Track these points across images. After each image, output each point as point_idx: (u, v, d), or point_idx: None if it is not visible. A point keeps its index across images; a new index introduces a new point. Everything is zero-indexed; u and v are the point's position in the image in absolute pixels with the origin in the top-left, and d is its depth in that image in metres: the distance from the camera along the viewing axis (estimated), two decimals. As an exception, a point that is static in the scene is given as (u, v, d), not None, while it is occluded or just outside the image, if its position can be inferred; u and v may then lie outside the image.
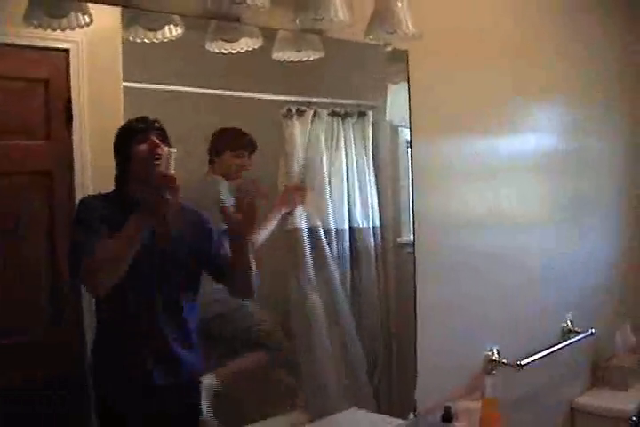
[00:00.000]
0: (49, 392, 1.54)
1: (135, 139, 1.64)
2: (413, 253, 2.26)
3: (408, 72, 2.25)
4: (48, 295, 1.64)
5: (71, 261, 1.54)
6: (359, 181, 2.44)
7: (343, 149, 2.39)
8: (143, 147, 1.61)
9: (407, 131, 2.37)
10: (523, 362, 2.54)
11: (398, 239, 2.46)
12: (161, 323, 1.63)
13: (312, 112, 2.25)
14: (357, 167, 2.43)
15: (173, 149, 1.58)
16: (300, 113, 2.18)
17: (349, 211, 2.42)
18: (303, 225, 2.27)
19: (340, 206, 2.40)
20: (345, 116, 2.37)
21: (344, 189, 2.40)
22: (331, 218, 2.36)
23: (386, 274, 2.48)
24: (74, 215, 1.60)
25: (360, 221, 2.44)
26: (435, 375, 2.34)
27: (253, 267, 1.73)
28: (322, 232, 2.35)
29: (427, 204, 2.33)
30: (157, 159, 1.55)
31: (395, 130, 2.44)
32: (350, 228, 2.41)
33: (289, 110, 2.16)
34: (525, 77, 2.78)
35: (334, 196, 2.38)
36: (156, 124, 1.68)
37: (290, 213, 1.97)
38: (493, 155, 2.64)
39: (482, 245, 2.56)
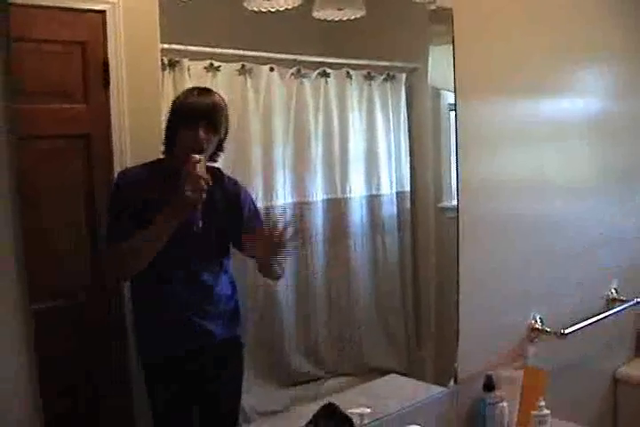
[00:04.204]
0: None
1: (184, 121, 1.64)
2: (457, 218, 2.22)
3: (453, 32, 2.19)
4: (89, 259, 1.66)
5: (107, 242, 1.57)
6: (393, 145, 2.44)
7: (374, 112, 2.38)
8: (189, 136, 1.62)
9: (449, 94, 2.34)
10: (566, 331, 2.51)
11: (439, 204, 2.46)
12: (195, 288, 1.69)
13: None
14: (392, 131, 2.43)
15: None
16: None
17: (380, 176, 2.43)
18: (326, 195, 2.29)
19: (369, 172, 2.40)
20: (375, 78, 2.35)
21: (376, 154, 2.40)
22: (357, 185, 2.36)
23: (426, 239, 2.50)
24: (110, 192, 1.61)
25: (392, 187, 2.43)
26: (476, 343, 2.33)
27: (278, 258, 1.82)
28: (360, 199, 2.38)
29: (470, 168, 2.29)
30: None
31: (436, 93, 2.41)
32: (381, 194, 2.42)
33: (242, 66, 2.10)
34: (573, 36, 2.70)
35: (360, 161, 2.38)
36: (212, 110, 1.68)
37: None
38: (539, 118, 2.58)
39: (526, 211, 2.51)
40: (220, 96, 1.73)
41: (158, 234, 1.52)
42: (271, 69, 2.17)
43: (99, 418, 1.64)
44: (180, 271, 1.63)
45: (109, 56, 1.73)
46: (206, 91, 1.76)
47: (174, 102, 1.68)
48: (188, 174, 1.52)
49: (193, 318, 1.66)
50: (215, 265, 1.73)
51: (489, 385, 2.28)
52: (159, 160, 1.65)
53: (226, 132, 1.70)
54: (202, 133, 1.60)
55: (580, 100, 2.81)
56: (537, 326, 2.54)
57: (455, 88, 2.24)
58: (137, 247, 1.53)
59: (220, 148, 1.69)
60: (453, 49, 2.21)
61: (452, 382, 2.33)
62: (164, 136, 1.65)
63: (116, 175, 1.63)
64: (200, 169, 1.54)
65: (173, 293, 1.63)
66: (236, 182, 1.83)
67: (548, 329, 2.53)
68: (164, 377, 1.64)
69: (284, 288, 2.27)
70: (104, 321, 1.65)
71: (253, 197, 2.13)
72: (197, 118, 1.62)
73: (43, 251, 1.55)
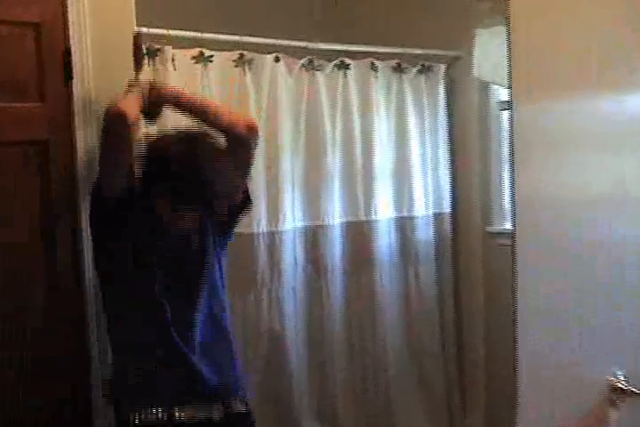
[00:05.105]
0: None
1: None
2: (512, 245, 1.83)
3: (508, 9, 1.84)
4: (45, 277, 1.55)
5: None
6: (429, 154, 2.21)
7: (405, 113, 2.16)
8: None
9: (501, 89, 2.07)
10: (660, 393, 2.09)
11: (488, 228, 2.19)
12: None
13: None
14: (428, 137, 2.20)
15: None
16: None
17: (412, 193, 2.18)
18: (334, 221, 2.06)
19: (399, 188, 2.17)
20: (406, 70, 2.14)
21: (408, 166, 2.17)
22: (384, 204, 2.13)
23: (471, 272, 2.24)
24: None
25: (428, 207, 2.22)
26: (541, 407, 1.97)
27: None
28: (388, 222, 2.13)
29: (530, 183, 1.96)
30: None
31: (484, 88, 2.15)
32: (414, 216, 2.18)
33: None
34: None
35: (388, 174, 2.15)
36: None
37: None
38: (621, 118, 2.21)
39: (606, 236, 2.13)
40: None
41: None
42: (276, 60, 1.96)
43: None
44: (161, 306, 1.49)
45: (71, 42, 1.56)
46: None
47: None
48: None
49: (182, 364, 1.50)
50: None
51: (558, 461, 1.86)
52: None
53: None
54: None
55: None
56: (620, 385, 2.11)
57: (510, 81, 1.87)
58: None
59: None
60: (508, 31, 1.88)
61: (510, 457, 1.93)
62: None
63: None
64: None
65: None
66: None
67: (635, 389, 2.09)
68: None
69: (293, 332, 2.04)
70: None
71: (254, 220, 1.92)
72: None
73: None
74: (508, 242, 1.90)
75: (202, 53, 1.84)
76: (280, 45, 1.93)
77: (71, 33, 1.55)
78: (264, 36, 1.90)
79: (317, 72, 2.00)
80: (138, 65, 1.68)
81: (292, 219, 1.98)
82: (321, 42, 1.98)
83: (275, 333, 1.97)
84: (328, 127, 2.03)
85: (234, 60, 1.88)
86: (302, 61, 1.98)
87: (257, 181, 1.93)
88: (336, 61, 2.01)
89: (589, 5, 2.06)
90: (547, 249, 2.00)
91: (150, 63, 1.77)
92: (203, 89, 1.84)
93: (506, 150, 2.06)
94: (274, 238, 1.94)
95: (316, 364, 2.06)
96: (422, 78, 2.15)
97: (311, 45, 1.96)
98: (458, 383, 2.24)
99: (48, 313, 1.54)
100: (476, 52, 2.06)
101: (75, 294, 1.58)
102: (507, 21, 1.84)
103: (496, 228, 2.17)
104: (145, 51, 1.75)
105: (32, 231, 1.53)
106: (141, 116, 1.49)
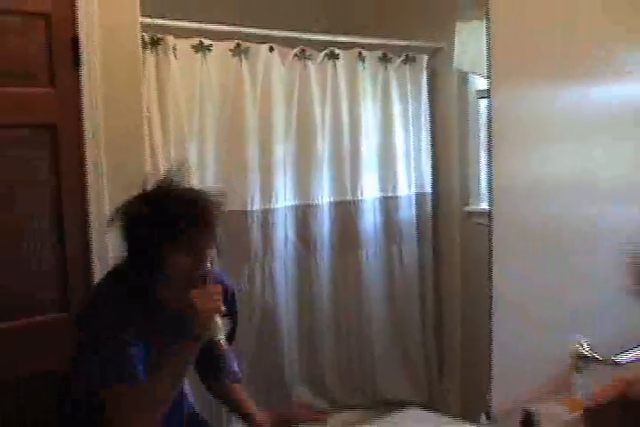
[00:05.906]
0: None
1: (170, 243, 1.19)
2: (490, 224, 1.90)
3: (488, 3, 1.88)
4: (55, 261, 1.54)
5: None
6: (412, 139, 2.24)
7: (390, 101, 2.19)
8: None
9: (477, 79, 2.14)
10: (619, 358, 2.16)
11: (466, 208, 2.23)
12: None
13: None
14: (411, 123, 2.23)
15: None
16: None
17: (396, 175, 2.21)
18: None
19: (384, 170, 2.20)
20: (391, 60, 2.16)
21: (392, 150, 2.20)
22: (369, 185, 2.16)
23: (451, 250, 2.28)
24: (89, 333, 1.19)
25: (411, 187, 2.24)
26: (513, 373, 1.99)
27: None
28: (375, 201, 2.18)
29: (506, 166, 1.98)
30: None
31: (463, 78, 2.20)
32: (398, 196, 2.21)
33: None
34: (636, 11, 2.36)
35: (374, 158, 2.18)
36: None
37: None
38: (591, 107, 2.23)
39: (571, 218, 2.17)
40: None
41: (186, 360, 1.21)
42: (271, 49, 2.00)
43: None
44: None
45: (79, 31, 1.57)
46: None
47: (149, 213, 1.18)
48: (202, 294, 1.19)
49: None
50: None
51: (528, 422, 1.95)
52: (123, 275, 1.24)
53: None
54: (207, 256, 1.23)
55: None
56: (584, 352, 2.20)
57: (490, 71, 1.93)
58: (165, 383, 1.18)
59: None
60: (488, 23, 1.89)
61: (483, 418, 1.99)
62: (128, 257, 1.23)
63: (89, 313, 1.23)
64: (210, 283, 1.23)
65: None
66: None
67: (598, 356, 2.18)
68: None
69: (285, 305, 2.06)
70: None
71: (248, 199, 1.95)
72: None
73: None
74: (485, 221, 2.01)
75: (201, 43, 1.85)
76: (274, 36, 1.94)
77: (79, 23, 1.53)
78: (260, 27, 1.91)
79: (309, 61, 2.02)
80: None
81: (284, 198, 2.02)
82: (312, 33, 1.99)
83: (267, 305, 2.00)
84: (318, 114, 2.06)
85: (231, 50, 1.89)
86: (295, 51, 2.00)
87: (251, 163, 1.96)
88: (326, 51, 2.04)
89: (561, 7, 2.15)
90: (521, 227, 2.06)
91: (152, 52, 1.75)
92: (202, 78, 1.84)
93: (483, 136, 2.09)
94: (266, 216, 1.98)
95: (306, 335, 2.09)
96: (406, 68, 2.17)
97: (303, 35, 1.97)
98: (437, 353, 2.27)
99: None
100: (457, 45, 2.08)
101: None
102: (487, 15, 1.93)
103: (474, 207, 2.19)
104: (148, 40, 1.73)
105: (40, 218, 1.51)
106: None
